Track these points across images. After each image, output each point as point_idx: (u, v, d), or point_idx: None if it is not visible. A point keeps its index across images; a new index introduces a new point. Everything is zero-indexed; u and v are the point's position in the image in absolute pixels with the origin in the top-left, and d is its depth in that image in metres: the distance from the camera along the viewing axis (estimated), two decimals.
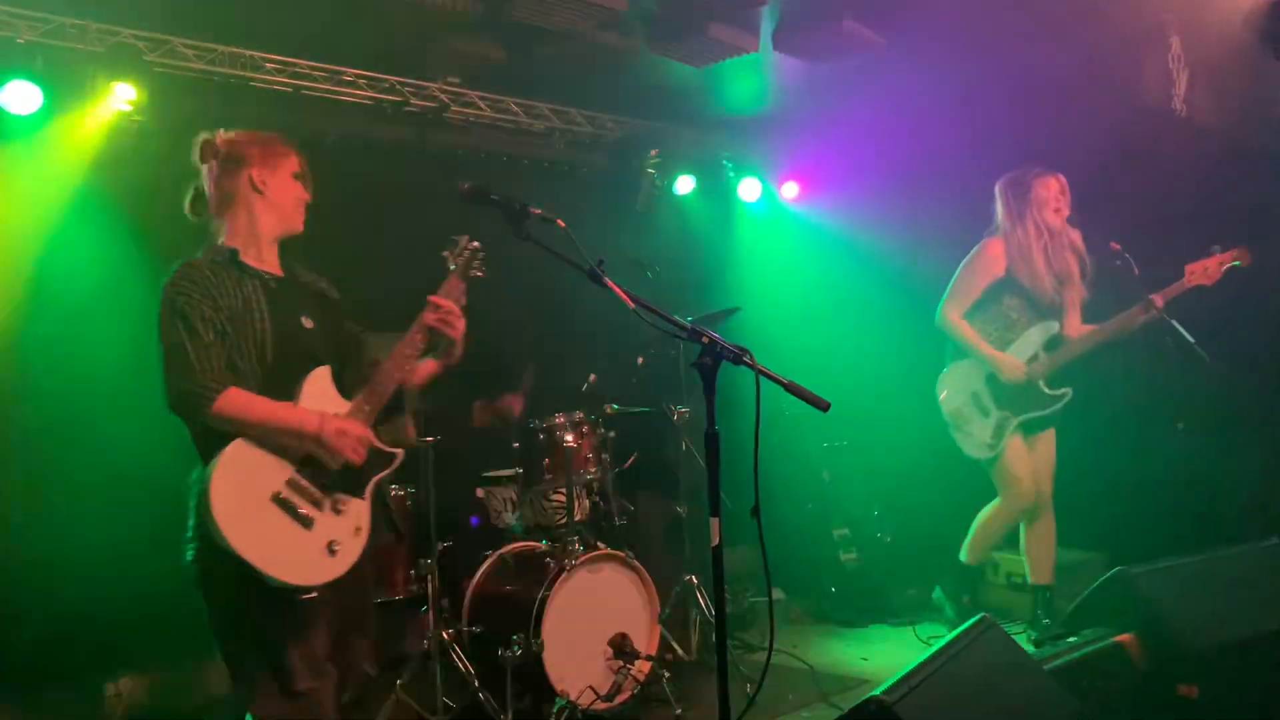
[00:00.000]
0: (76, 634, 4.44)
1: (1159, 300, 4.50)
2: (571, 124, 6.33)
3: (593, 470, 4.53)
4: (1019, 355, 4.70)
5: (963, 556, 5.09)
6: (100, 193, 4.63)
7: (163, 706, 4.74)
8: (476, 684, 4.13)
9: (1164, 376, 4.73)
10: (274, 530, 2.61)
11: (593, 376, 4.83)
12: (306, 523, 2.66)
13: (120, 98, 4.55)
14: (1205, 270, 4.48)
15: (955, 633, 2.89)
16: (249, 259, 2.84)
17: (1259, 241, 4.77)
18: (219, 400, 2.59)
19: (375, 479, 2.84)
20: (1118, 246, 4.61)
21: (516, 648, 3.94)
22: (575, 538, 4.34)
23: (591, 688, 4.05)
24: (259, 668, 2.67)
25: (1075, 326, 4.77)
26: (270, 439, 2.67)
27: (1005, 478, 4.80)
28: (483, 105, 5.88)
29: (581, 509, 4.52)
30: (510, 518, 4.76)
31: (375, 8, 4.73)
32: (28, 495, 4.44)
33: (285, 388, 2.74)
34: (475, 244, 3.07)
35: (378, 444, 2.84)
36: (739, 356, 2.44)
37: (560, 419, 4.50)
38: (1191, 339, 4.49)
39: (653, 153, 6.49)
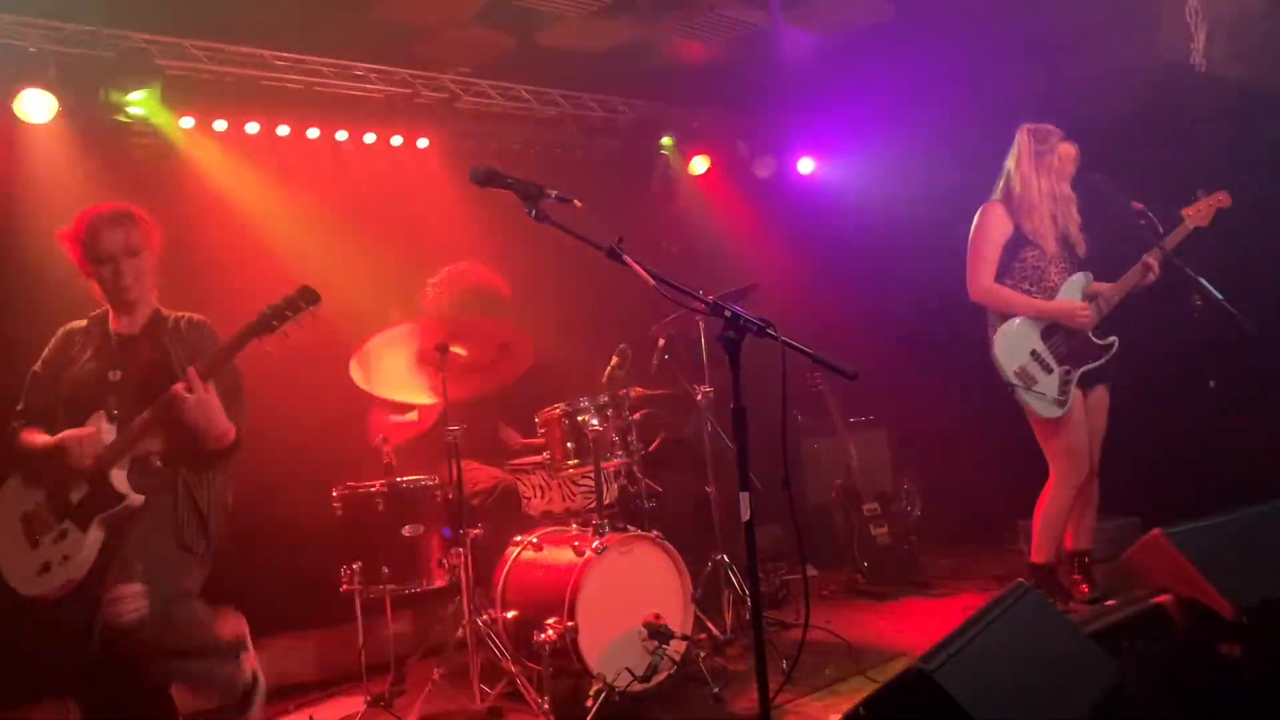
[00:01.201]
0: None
1: (1155, 261, 4.52)
2: (583, 109, 6.31)
3: (619, 453, 4.52)
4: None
5: (1033, 557, 4.79)
6: (116, 197, 4.64)
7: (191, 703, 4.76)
8: (513, 669, 4.14)
9: (1195, 335, 4.67)
10: (12, 543, 3.23)
11: (614, 359, 4.81)
12: (34, 543, 3.19)
13: (134, 101, 4.57)
14: (1199, 212, 4.54)
15: (992, 599, 2.86)
16: (111, 321, 3.40)
17: None
18: (16, 440, 3.33)
19: (103, 515, 3.17)
20: (1140, 206, 4.56)
21: (551, 632, 3.94)
22: (605, 521, 4.33)
23: (628, 669, 4.05)
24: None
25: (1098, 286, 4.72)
26: (35, 468, 3.26)
27: (1064, 446, 4.65)
28: (493, 93, 5.87)
29: (609, 493, 4.52)
30: (539, 503, 4.77)
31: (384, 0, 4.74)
32: None
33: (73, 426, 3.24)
34: (307, 298, 3.26)
35: (120, 483, 3.17)
36: (763, 329, 2.42)
37: (584, 403, 4.49)
38: (1220, 295, 4.43)
39: (666, 134, 6.47)
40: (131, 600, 3.03)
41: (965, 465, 6.57)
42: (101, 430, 3.20)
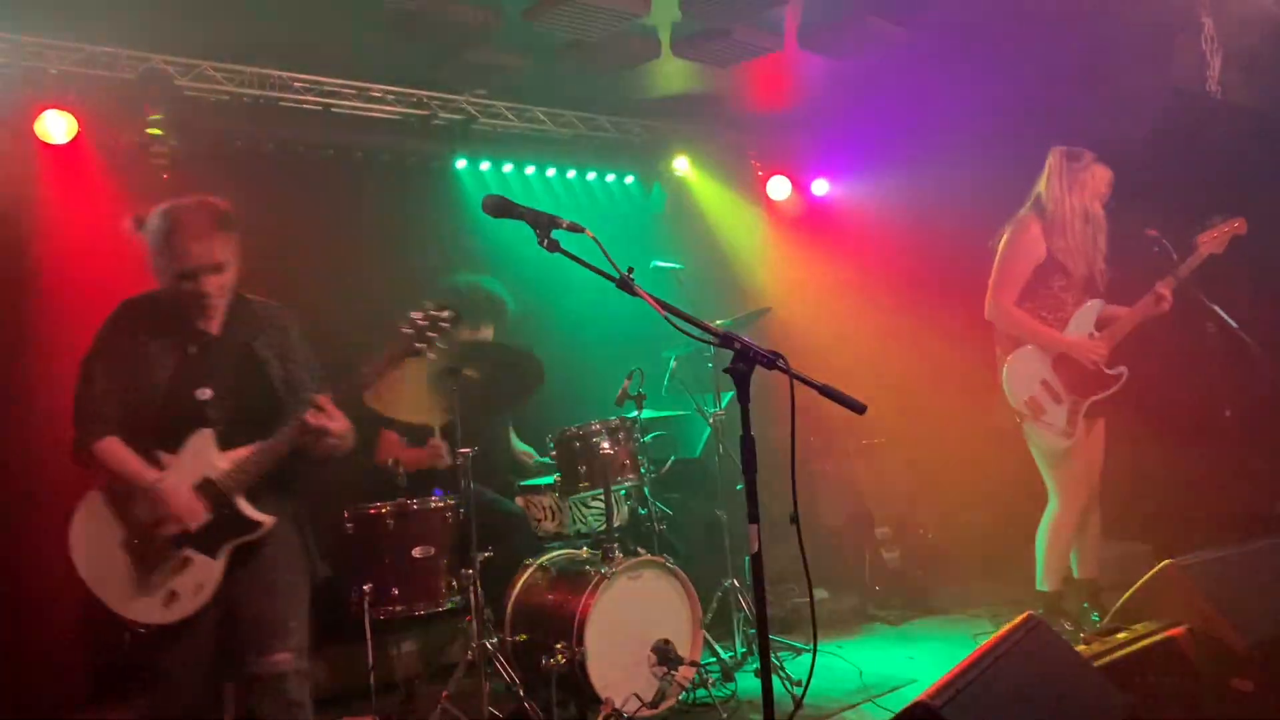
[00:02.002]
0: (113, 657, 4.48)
1: (1167, 291, 4.46)
2: (597, 130, 6.34)
3: (630, 476, 4.53)
4: (1075, 335, 4.57)
5: (1041, 586, 4.73)
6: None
7: None
8: (521, 693, 4.14)
9: (1209, 363, 4.65)
10: (120, 573, 2.93)
11: (626, 382, 4.82)
12: (151, 570, 2.94)
13: (152, 122, 4.62)
14: (1214, 239, 4.49)
15: (1001, 632, 2.85)
16: (188, 313, 3.03)
17: None
18: (95, 448, 2.92)
19: (234, 543, 3.01)
20: (1155, 232, 4.53)
21: (560, 656, 3.95)
22: (615, 544, 4.34)
23: (636, 694, 4.05)
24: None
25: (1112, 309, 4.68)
26: (131, 491, 2.94)
27: (1068, 474, 4.62)
28: (509, 115, 5.91)
29: (620, 515, 4.52)
30: (549, 526, 4.77)
31: (401, 23, 4.76)
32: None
33: (170, 444, 2.97)
34: (445, 314, 3.17)
35: (247, 509, 3.01)
36: (772, 361, 2.42)
37: (596, 426, 4.50)
38: (1234, 324, 4.41)
39: (681, 156, 6.49)
40: (292, 664, 3.05)
41: (978, 489, 6.54)
42: (211, 453, 2.99)
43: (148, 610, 2.93)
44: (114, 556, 2.93)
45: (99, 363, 2.97)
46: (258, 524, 3.03)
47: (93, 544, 2.93)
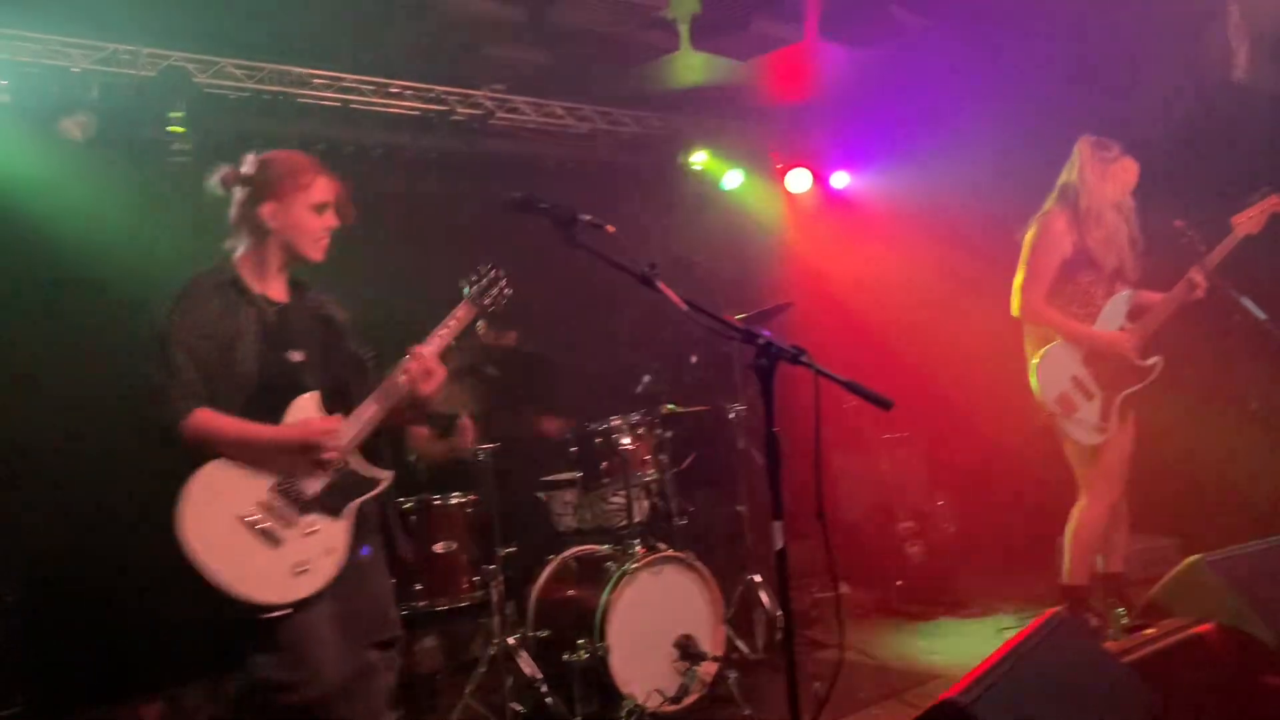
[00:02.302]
0: (112, 656, 4.52)
1: (1200, 277, 4.36)
2: (617, 124, 6.32)
3: (651, 471, 4.52)
4: (1105, 329, 4.49)
5: (1067, 579, 4.63)
6: (156, 215, 4.73)
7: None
8: (543, 689, 4.14)
9: (1235, 355, 4.59)
10: (240, 549, 2.70)
11: (647, 377, 4.81)
12: (275, 543, 2.74)
13: (173, 119, 4.63)
14: (1250, 218, 4.35)
15: (1028, 628, 2.82)
16: (253, 284, 2.92)
17: None
18: (187, 423, 2.72)
19: (357, 501, 2.89)
20: (1181, 224, 4.45)
21: (582, 651, 3.95)
22: (636, 540, 4.33)
23: (658, 690, 4.04)
24: (255, 683, 2.76)
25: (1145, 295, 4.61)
26: (244, 458, 2.77)
27: (1099, 469, 4.53)
28: (528, 110, 5.90)
29: (641, 510, 4.51)
30: (571, 521, 4.77)
31: (419, 19, 4.77)
32: (71, 523, 4.53)
33: (271, 413, 2.83)
34: (498, 272, 3.14)
35: (362, 467, 2.91)
36: (795, 356, 2.40)
37: (617, 421, 4.49)
38: (1262, 315, 4.35)
39: (701, 149, 6.46)
40: (394, 659, 2.99)
41: (1002, 483, 6.50)
42: (316, 417, 2.88)
43: (279, 588, 2.72)
44: (232, 534, 2.71)
45: (178, 339, 2.78)
46: (377, 480, 2.94)
47: (208, 523, 2.69)
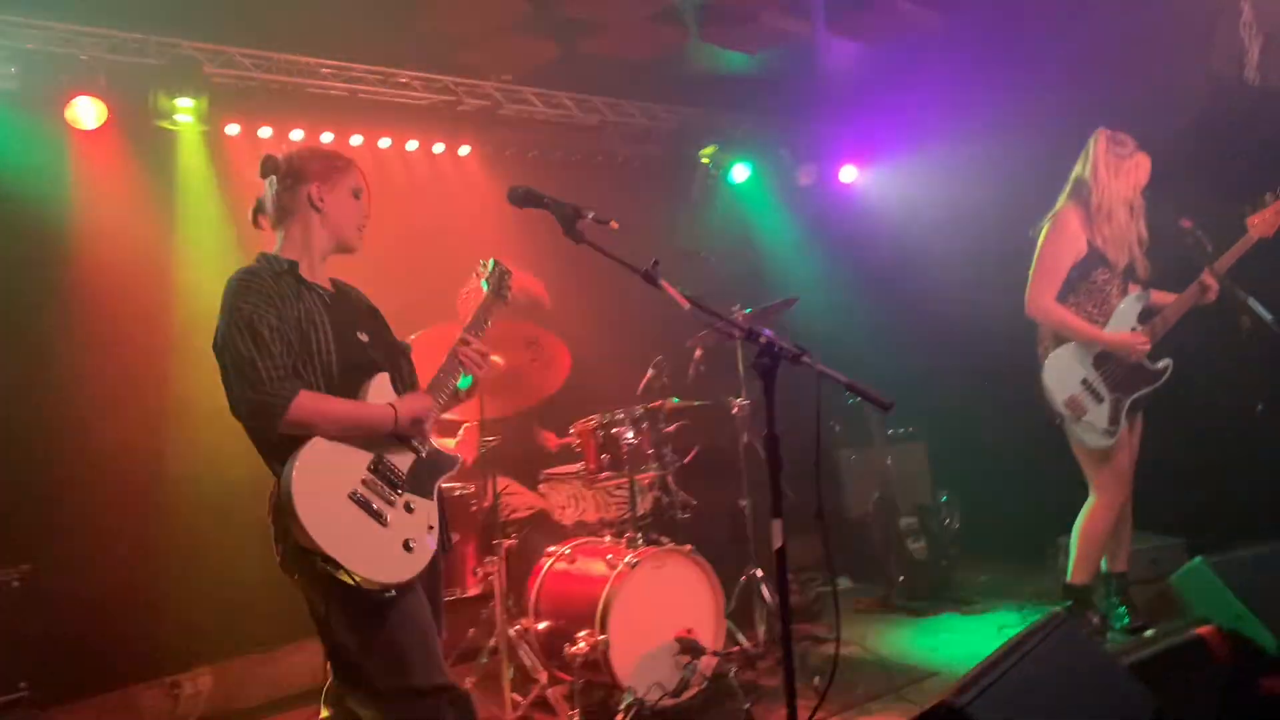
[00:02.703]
0: (152, 629, 4.57)
1: (1213, 280, 4.36)
2: (625, 116, 6.31)
3: (653, 465, 4.52)
4: (1118, 330, 4.46)
5: (1070, 578, 4.65)
6: (165, 204, 4.75)
7: (236, 700, 4.86)
8: (544, 680, 4.15)
9: (1242, 357, 4.57)
10: (355, 528, 2.63)
11: (650, 371, 4.81)
12: (383, 520, 2.68)
13: (182, 109, 4.64)
14: (1266, 220, 4.32)
15: (1027, 628, 2.83)
16: (304, 273, 2.87)
17: None
18: (291, 406, 2.61)
19: (440, 479, 2.87)
20: (1189, 224, 4.43)
21: (583, 644, 3.96)
22: (638, 533, 4.34)
23: (659, 683, 4.05)
24: (381, 670, 2.64)
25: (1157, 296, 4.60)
26: (344, 439, 2.70)
27: (1110, 470, 4.53)
28: (536, 101, 5.89)
29: (643, 504, 4.52)
30: (573, 514, 4.78)
31: (428, 9, 4.76)
32: (112, 496, 4.58)
33: (350, 396, 2.78)
34: (501, 265, 3.15)
35: (439, 447, 2.89)
36: (798, 356, 2.40)
37: (620, 415, 4.49)
38: (1269, 316, 4.33)
39: (709, 142, 6.44)
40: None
41: (1005, 480, 6.50)
42: (391, 397, 2.84)
43: (394, 566, 2.67)
44: (346, 512, 2.64)
45: (265, 322, 2.68)
46: (453, 459, 2.93)
47: (322, 504, 2.60)
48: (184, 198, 4.80)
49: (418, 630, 2.68)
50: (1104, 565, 4.76)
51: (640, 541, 4.29)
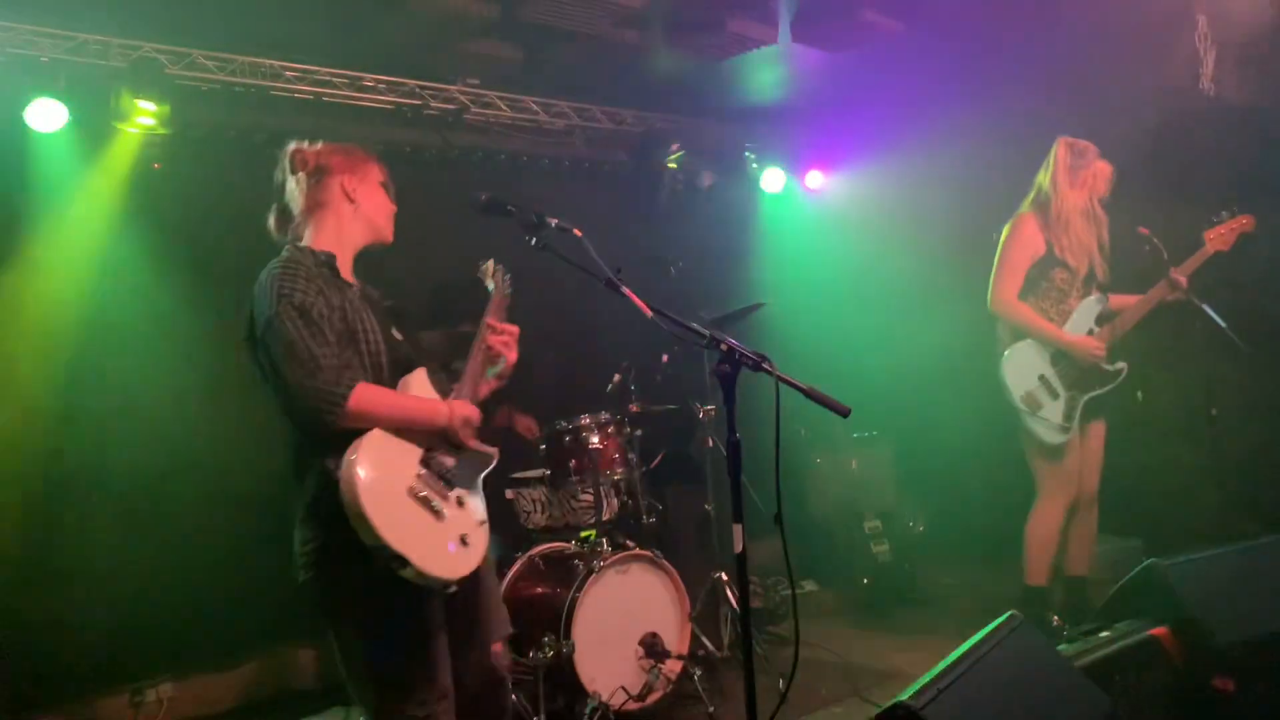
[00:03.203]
0: (117, 639, 4.53)
1: (1182, 277, 4.44)
2: (591, 121, 6.32)
3: (620, 470, 4.54)
4: (1075, 332, 4.56)
5: (1026, 580, 4.74)
6: (128, 208, 4.70)
7: (203, 710, 4.83)
8: (509, 685, 4.15)
9: (1197, 362, 4.66)
10: (419, 524, 2.57)
11: (617, 376, 4.83)
12: (440, 516, 2.62)
13: (144, 112, 4.59)
14: (1221, 235, 4.43)
15: (983, 631, 2.87)
16: (340, 267, 2.78)
17: None
18: (352, 397, 2.51)
19: (483, 475, 2.83)
20: (1146, 231, 4.53)
21: (548, 649, 3.96)
22: (604, 538, 4.36)
23: (623, 687, 4.07)
24: (381, 684, 2.58)
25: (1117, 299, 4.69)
26: (397, 433, 2.62)
27: (1056, 472, 4.62)
28: (502, 105, 5.89)
29: (610, 508, 4.53)
30: (539, 518, 4.79)
31: (393, 13, 4.75)
32: (74, 508, 4.54)
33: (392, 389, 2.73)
34: (501, 266, 3.15)
35: (477, 444, 2.82)
36: (758, 363, 2.43)
37: (586, 420, 4.51)
38: (1223, 323, 4.43)
39: (674, 147, 6.46)
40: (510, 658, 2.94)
41: (969, 483, 6.57)
42: (429, 391, 2.78)
43: (456, 561, 2.62)
44: (408, 508, 2.57)
45: (310, 308, 2.57)
46: (491, 455, 2.86)
47: (385, 498, 2.51)
48: (144, 201, 4.75)
49: (433, 642, 2.61)
50: (1065, 569, 4.83)
51: (606, 546, 4.30)
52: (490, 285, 3.13)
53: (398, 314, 2.96)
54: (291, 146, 2.86)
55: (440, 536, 2.60)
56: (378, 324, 2.73)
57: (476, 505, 2.77)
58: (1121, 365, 4.58)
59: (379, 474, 2.51)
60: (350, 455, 2.49)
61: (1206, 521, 4.81)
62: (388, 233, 2.93)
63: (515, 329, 2.96)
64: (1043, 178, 4.63)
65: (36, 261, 4.51)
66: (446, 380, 2.88)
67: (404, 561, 2.45)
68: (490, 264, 3.18)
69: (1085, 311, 4.58)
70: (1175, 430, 5.29)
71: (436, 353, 3.16)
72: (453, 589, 2.57)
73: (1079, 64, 5.28)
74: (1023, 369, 4.59)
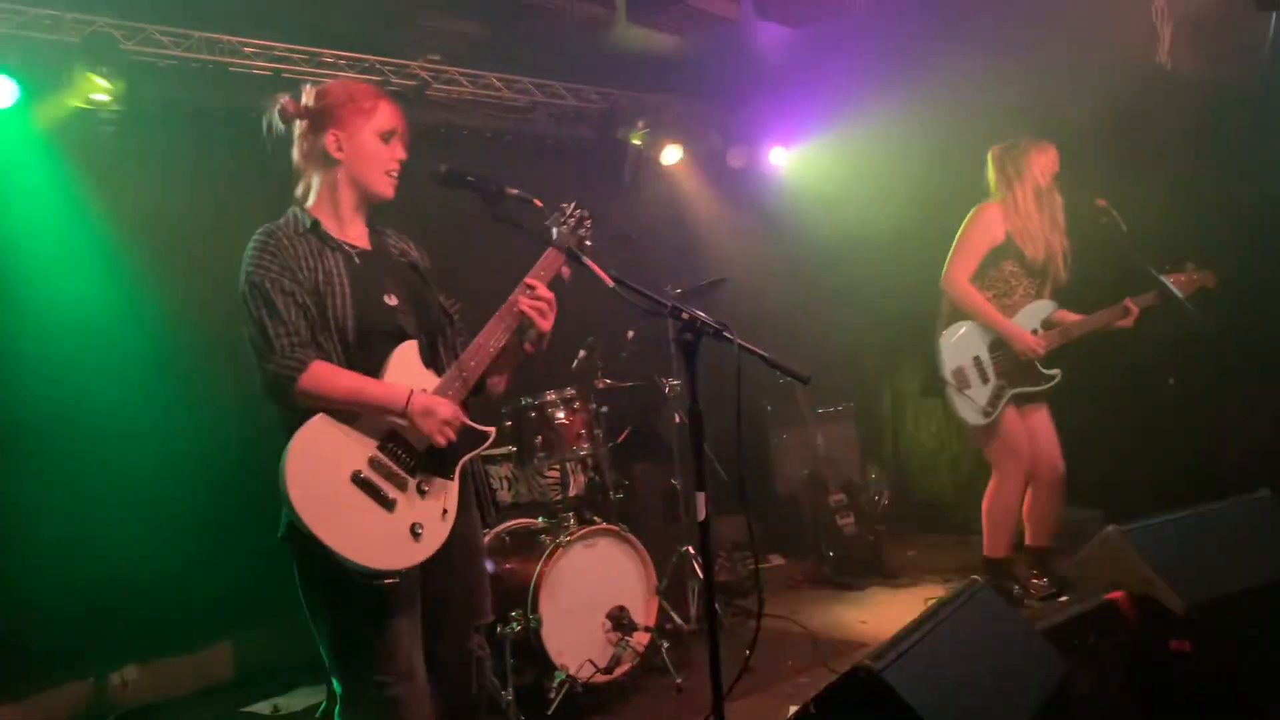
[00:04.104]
0: (80, 624, 4.49)
1: (1135, 306, 4.57)
2: (555, 97, 6.30)
3: (586, 446, 4.54)
4: (1021, 327, 4.68)
5: (988, 553, 4.85)
6: (81, 185, 4.63)
7: (166, 693, 4.80)
8: (487, 667, 4.15)
9: (1156, 334, 4.73)
10: (353, 512, 2.45)
11: (583, 352, 4.82)
12: (388, 505, 2.50)
13: (97, 88, 4.52)
14: (1180, 284, 4.55)
15: (945, 596, 2.91)
16: (330, 229, 2.67)
17: (1251, 193, 4.82)
18: (303, 377, 2.45)
19: (465, 459, 2.67)
20: (1104, 203, 4.60)
21: (515, 624, 3.97)
22: (570, 514, 4.37)
23: (591, 661, 4.09)
24: (346, 663, 2.56)
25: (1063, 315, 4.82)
26: (354, 415, 2.51)
27: (1004, 449, 4.73)
28: (464, 82, 5.85)
29: (576, 484, 4.54)
30: (505, 496, 4.79)
31: None
32: (34, 494, 4.47)
33: (370, 365, 2.57)
34: (582, 210, 2.92)
35: (468, 422, 2.65)
36: (719, 331, 2.43)
37: (551, 396, 4.50)
38: (1180, 294, 4.50)
39: (639, 124, 6.45)
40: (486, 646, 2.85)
41: (932, 457, 6.63)
42: (418, 367, 2.65)
43: (396, 552, 2.48)
44: (345, 495, 2.45)
45: (279, 287, 2.51)
46: (485, 434, 2.69)
47: (318, 485, 2.43)
48: (101, 179, 4.68)
49: (394, 621, 2.53)
50: (1026, 539, 4.91)
51: (572, 522, 4.31)
52: (555, 234, 2.82)
53: (417, 272, 2.82)
54: (280, 99, 2.69)
55: (381, 526, 2.47)
56: (354, 292, 2.59)
57: (441, 494, 2.61)
58: (1056, 373, 4.72)
59: (314, 459, 2.44)
60: (294, 438, 2.44)
61: (1164, 489, 4.88)
62: (383, 189, 2.71)
63: (551, 296, 2.71)
64: (989, 182, 4.77)
65: None
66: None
67: (329, 550, 2.38)
68: (570, 207, 2.91)
69: (1034, 311, 4.72)
70: (1134, 400, 5.37)
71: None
72: (392, 580, 2.46)
73: (1038, 38, 5.32)
74: (960, 347, 4.73)
